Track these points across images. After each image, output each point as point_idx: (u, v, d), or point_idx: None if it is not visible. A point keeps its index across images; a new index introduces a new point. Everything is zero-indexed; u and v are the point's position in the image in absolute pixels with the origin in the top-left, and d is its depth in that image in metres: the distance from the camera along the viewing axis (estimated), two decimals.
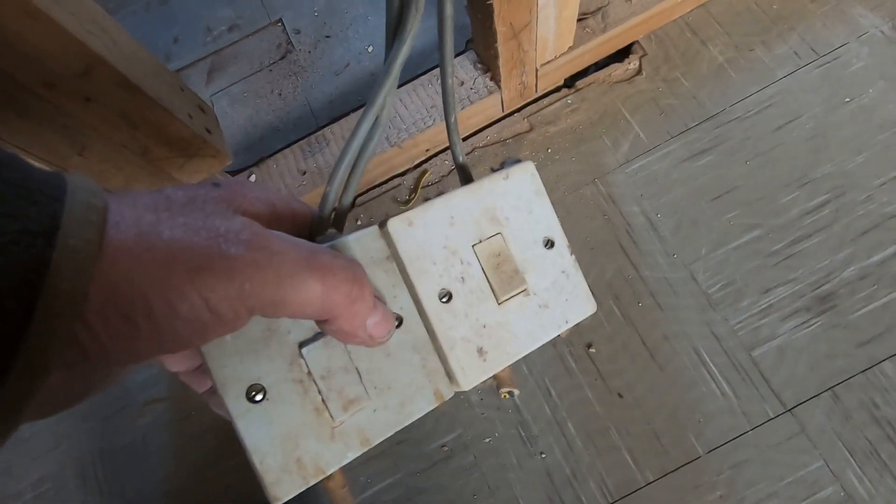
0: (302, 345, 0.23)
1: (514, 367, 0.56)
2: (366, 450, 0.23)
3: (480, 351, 0.25)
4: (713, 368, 0.53)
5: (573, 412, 0.54)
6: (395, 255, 0.25)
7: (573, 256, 0.28)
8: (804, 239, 0.56)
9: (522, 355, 0.26)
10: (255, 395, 0.21)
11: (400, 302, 0.25)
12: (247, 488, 0.57)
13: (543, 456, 0.53)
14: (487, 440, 0.55)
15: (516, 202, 0.27)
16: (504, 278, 0.26)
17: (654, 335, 0.55)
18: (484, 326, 0.26)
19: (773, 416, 0.51)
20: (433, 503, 0.54)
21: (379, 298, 0.23)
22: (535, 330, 0.26)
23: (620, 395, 0.54)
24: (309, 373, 0.22)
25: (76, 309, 0.14)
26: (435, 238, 0.25)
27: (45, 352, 0.13)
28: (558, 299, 0.27)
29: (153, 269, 0.15)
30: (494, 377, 0.26)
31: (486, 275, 0.26)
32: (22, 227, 0.13)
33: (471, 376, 0.25)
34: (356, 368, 0.23)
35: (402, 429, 0.24)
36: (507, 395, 0.26)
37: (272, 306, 0.17)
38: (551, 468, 0.53)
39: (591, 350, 0.56)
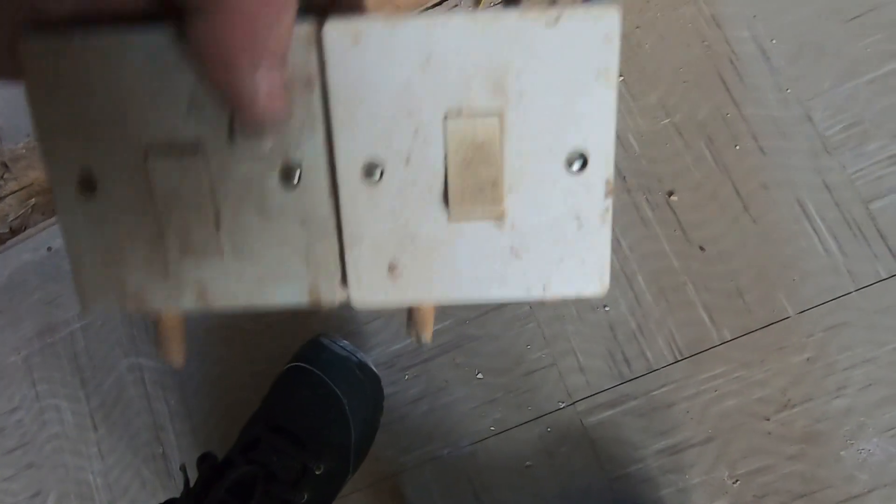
0: (150, 149, 0.16)
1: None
2: (203, 308, 0.18)
3: (392, 267, 0.17)
4: (818, 222, 0.46)
5: (645, 265, 0.48)
6: (321, 80, 0.16)
7: (609, 200, 0.17)
8: None
9: (452, 302, 0.17)
10: (85, 186, 0.17)
11: (304, 151, 0.16)
12: (290, 327, 0.55)
13: (607, 309, 0.49)
14: None
15: (553, 72, 0.16)
16: (471, 186, 0.16)
17: (751, 183, 0.47)
18: (413, 239, 0.17)
19: (885, 276, 0.44)
20: (483, 351, 0.51)
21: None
22: (488, 279, 0.17)
23: (702, 249, 0.48)
24: (152, 188, 0.17)
25: None
26: (391, 79, 0.16)
27: None
28: (547, 254, 0.17)
29: None
30: (408, 309, 0.18)
31: (446, 168, 0.16)
32: None
33: (366, 292, 0.17)
34: (216, 212, 0.17)
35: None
36: (416, 340, 0.18)
37: None
38: (615, 322, 0.48)
39: (672, 198, 0.48)
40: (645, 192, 0.49)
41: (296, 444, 0.43)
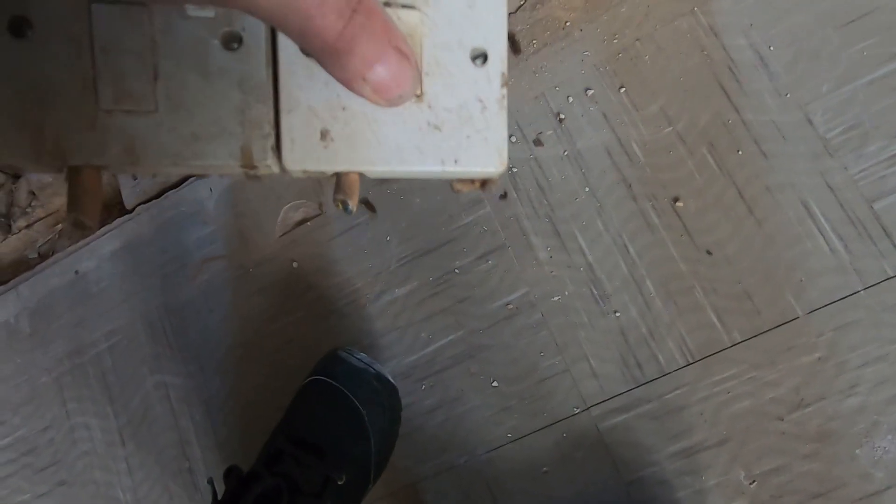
0: None
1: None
2: (127, 166, 0.18)
3: (325, 134, 0.19)
4: (823, 222, 0.46)
5: (653, 270, 0.49)
6: None
7: (504, 90, 0.21)
8: None
9: (378, 170, 0.20)
10: (19, 28, 0.17)
11: (246, 21, 0.18)
12: (308, 341, 0.56)
13: (617, 315, 0.50)
14: (556, 298, 0.51)
15: None
16: None
17: (755, 187, 0.48)
18: (344, 109, 0.19)
19: (892, 274, 0.45)
20: (497, 360, 0.52)
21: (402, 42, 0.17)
22: (409, 149, 0.20)
23: (709, 253, 0.48)
24: (90, 35, 0.17)
25: None
26: None
27: None
28: (458, 130, 0.20)
29: None
30: (335, 176, 0.20)
31: None
32: None
33: (299, 156, 0.19)
34: (154, 65, 0.18)
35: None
36: (341, 206, 0.20)
37: None
38: (626, 327, 0.49)
39: (677, 204, 0.49)
40: (650, 199, 0.50)
41: (318, 455, 0.44)
